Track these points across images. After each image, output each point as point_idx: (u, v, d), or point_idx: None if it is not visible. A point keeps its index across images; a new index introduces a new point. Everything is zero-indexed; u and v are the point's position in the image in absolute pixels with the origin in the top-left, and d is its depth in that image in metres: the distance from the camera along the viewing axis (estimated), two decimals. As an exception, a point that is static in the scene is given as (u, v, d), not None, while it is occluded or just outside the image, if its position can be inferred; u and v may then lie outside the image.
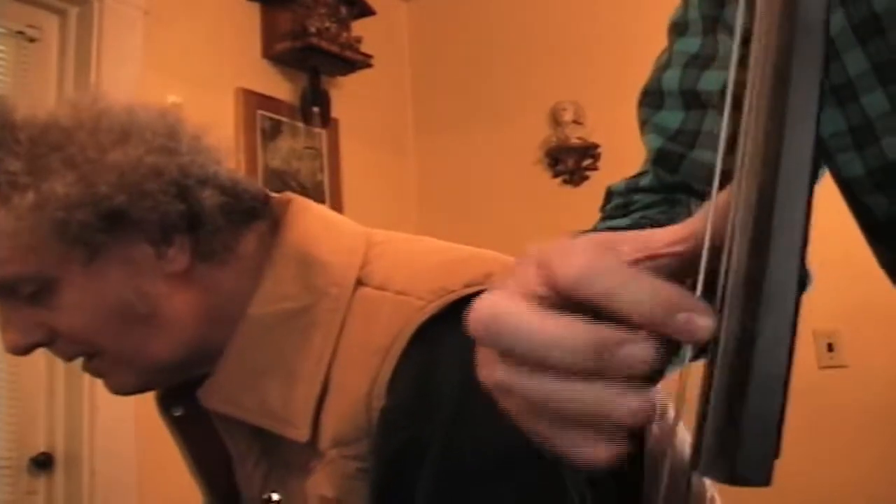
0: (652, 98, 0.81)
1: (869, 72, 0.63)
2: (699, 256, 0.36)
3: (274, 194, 0.97)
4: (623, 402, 0.34)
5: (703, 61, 0.77)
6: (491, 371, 0.38)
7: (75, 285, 0.84)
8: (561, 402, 0.35)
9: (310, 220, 0.92)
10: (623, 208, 0.82)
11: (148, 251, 0.86)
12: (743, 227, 0.33)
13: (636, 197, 0.82)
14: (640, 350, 0.34)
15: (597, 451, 0.35)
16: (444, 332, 0.79)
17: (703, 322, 0.33)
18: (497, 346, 0.37)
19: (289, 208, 0.92)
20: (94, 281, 0.85)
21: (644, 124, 0.82)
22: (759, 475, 0.32)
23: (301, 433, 0.83)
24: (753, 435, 0.32)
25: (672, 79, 0.79)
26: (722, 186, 0.36)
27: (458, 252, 0.89)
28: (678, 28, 0.81)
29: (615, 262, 0.36)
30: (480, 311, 0.38)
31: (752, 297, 0.32)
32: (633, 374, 0.34)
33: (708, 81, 0.76)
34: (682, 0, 0.82)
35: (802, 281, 0.33)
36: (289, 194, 0.96)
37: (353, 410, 0.81)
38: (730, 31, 0.76)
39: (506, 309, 0.37)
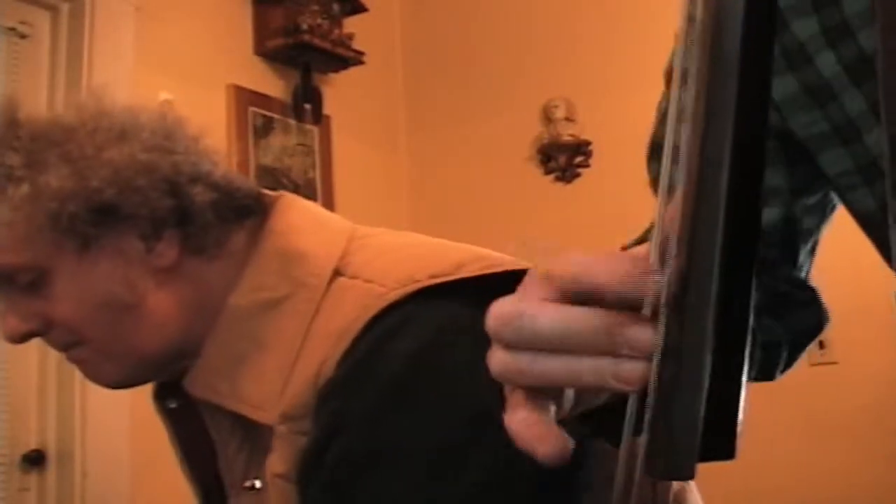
0: (659, 152, 0.80)
1: (867, 112, 0.65)
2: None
3: (267, 192, 0.98)
4: (626, 368, 0.38)
5: None
6: (502, 358, 0.42)
7: (67, 275, 0.87)
8: (574, 376, 0.40)
9: (295, 214, 0.94)
10: None
11: (138, 245, 0.88)
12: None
13: None
14: (643, 330, 0.38)
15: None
16: (404, 320, 0.81)
17: (652, 286, 0.38)
18: (519, 337, 0.41)
19: (277, 204, 0.95)
20: (85, 272, 0.87)
21: (655, 182, 0.81)
22: (684, 472, 0.37)
23: (270, 416, 0.85)
24: (678, 437, 0.36)
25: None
26: None
27: (435, 244, 0.91)
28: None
29: (603, 258, 0.41)
30: (502, 310, 0.41)
31: (677, 313, 0.37)
32: (638, 352, 0.38)
33: None
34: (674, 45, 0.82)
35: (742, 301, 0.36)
36: (280, 191, 0.98)
37: (304, 388, 0.83)
38: None
39: (526, 305, 0.41)
